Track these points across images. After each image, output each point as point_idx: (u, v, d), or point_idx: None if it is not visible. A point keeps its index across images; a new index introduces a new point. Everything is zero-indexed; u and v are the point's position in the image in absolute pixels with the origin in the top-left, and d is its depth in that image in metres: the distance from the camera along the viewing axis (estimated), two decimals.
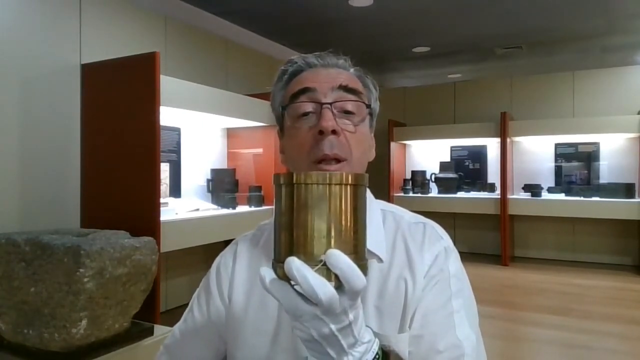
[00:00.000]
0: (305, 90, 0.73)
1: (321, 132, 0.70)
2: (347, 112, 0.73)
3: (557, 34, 4.12)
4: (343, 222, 0.51)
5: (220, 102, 2.84)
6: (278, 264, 0.50)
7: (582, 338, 2.78)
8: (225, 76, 3.59)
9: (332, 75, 0.75)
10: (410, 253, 0.74)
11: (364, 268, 0.52)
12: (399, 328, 0.70)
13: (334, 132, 0.70)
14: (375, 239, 0.74)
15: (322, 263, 0.48)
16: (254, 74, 3.85)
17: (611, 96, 4.86)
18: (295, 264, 0.47)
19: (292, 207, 0.51)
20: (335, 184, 0.51)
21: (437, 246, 0.75)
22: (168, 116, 2.69)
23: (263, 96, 3.22)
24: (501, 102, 5.30)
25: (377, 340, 0.56)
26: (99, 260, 1.59)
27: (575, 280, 4.22)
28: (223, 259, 0.84)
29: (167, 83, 2.36)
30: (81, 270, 1.55)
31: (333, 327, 0.50)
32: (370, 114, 0.79)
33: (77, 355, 1.61)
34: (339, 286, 0.49)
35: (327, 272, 0.48)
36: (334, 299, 0.47)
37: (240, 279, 0.80)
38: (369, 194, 0.85)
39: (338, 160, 0.71)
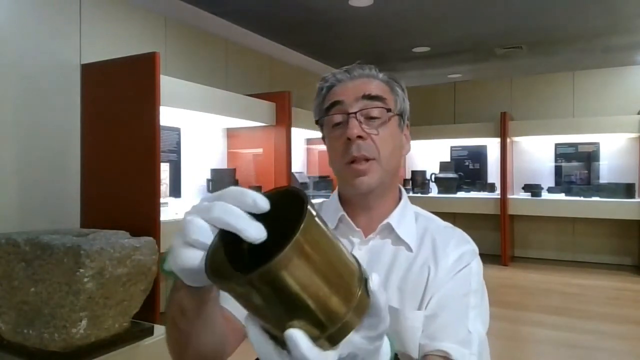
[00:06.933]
0: (335, 104, 0.85)
1: (349, 139, 0.81)
2: (372, 118, 0.84)
3: (557, 34, 4.11)
4: (319, 294, 0.39)
5: (220, 102, 2.84)
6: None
7: (582, 338, 2.78)
8: (225, 76, 3.59)
9: (358, 86, 0.85)
10: (437, 249, 0.84)
11: (363, 308, 0.43)
12: (418, 307, 0.80)
13: (360, 137, 0.81)
14: (407, 231, 0.87)
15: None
16: (254, 74, 3.85)
17: (611, 96, 4.86)
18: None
19: (255, 305, 0.40)
20: (280, 269, 0.36)
21: (464, 247, 0.85)
22: (168, 116, 2.69)
23: (263, 96, 3.22)
24: (501, 102, 5.30)
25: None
26: (99, 260, 1.59)
27: (575, 280, 4.22)
28: None
29: (167, 83, 2.36)
30: (81, 270, 1.55)
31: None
32: (400, 114, 0.89)
33: (77, 355, 1.61)
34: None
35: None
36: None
37: None
38: (405, 198, 0.92)
39: (367, 159, 0.82)
